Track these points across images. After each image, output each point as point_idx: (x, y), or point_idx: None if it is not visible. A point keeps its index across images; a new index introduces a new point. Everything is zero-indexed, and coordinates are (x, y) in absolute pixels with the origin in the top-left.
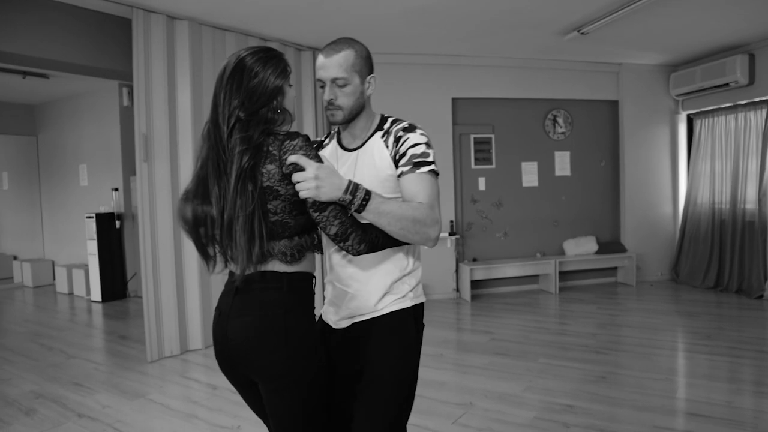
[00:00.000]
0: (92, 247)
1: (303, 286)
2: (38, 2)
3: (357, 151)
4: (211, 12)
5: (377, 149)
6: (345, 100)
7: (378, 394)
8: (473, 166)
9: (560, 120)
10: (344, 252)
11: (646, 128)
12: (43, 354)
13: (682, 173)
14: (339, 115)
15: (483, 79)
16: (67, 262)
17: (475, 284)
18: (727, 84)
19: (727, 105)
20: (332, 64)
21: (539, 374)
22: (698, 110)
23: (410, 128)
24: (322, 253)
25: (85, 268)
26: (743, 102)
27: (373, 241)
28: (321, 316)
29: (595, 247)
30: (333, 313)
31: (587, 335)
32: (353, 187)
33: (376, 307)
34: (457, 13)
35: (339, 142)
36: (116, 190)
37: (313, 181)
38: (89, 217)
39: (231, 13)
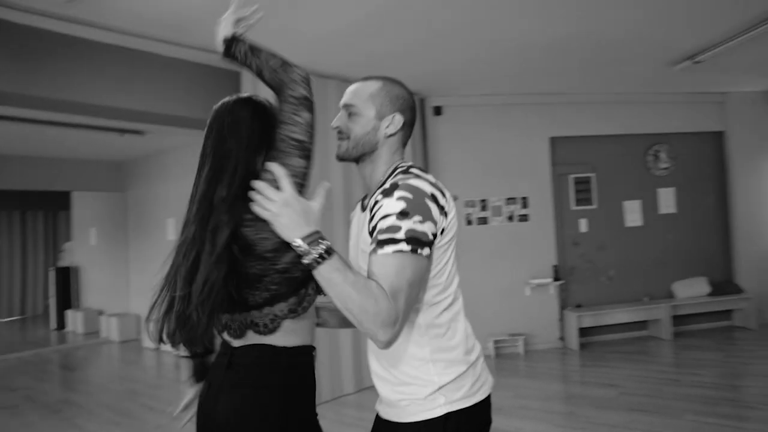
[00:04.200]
0: None
1: (303, 362)
2: (147, 57)
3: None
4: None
5: (367, 212)
6: (354, 127)
7: None
8: (573, 207)
9: (662, 155)
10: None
11: (757, 159)
12: (145, 414)
13: None
14: (343, 146)
15: (582, 117)
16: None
17: (582, 332)
18: None
19: None
20: (350, 90)
21: None
22: None
23: (390, 190)
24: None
25: None
26: None
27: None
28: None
29: (706, 289)
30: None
31: (728, 387)
32: (314, 239)
33: (399, 407)
34: (558, 48)
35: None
36: None
37: (278, 207)
38: None
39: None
